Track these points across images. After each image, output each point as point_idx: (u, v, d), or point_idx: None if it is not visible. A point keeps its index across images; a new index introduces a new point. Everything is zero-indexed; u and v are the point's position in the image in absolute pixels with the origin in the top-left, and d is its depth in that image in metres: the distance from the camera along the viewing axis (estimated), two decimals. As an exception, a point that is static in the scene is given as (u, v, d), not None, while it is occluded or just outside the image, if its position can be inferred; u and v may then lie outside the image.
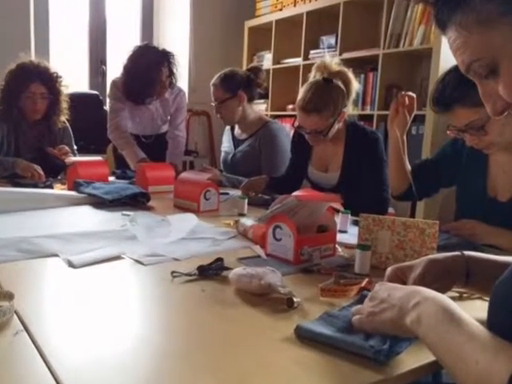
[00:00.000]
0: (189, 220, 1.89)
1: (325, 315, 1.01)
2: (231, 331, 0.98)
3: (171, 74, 3.45)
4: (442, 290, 0.97)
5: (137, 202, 2.25)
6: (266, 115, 4.22)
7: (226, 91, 3.14)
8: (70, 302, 1.12)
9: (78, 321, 1.01)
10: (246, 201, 2.19)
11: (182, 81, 3.74)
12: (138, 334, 0.96)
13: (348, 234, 1.86)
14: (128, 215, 1.97)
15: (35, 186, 2.60)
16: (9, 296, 1.05)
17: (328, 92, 2.43)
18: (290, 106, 4.92)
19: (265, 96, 4.87)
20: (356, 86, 2.57)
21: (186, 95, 3.82)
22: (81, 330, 0.96)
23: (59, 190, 2.59)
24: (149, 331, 0.98)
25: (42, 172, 2.83)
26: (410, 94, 2.11)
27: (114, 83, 3.51)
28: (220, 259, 1.35)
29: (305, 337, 0.94)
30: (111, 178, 2.99)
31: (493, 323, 0.75)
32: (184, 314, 1.08)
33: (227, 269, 1.30)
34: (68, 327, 0.97)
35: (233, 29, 5.56)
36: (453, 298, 0.83)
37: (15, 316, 0.99)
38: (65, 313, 1.05)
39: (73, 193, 2.39)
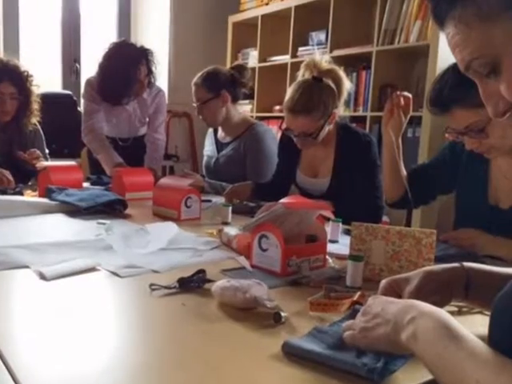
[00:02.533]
0: (169, 229, 1.89)
1: (314, 331, 1.01)
2: (214, 348, 0.98)
3: (150, 72, 3.45)
4: (440, 304, 0.97)
5: (113, 209, 2.25)
6: (252, 117, 4.23)
7: (208, 91, 3.14)
8: (41, 317, 1.11)
9: (50, 337, 1.00)
10: (230, 208, 2.18)
11: (162, 80, 3.74)
12: (115, 352, 0.95)
13: (339, 243, 1.86)
14: (104, 224, 1.96)
15: (4, 192, 2.58)
16: (-26, 312, 1.04)
17: (318, 92, 2.44)
18: (277, 107, 4.93)
19: (250, 96, 4.86)
20: (348, 85, 2.58)
21: (166, 95, 3.81)
22: (53, 347, 0.96)
23: (30, 196, 2.58)
24: (126, 348, 0.97)
25: (11, 178, 2.82)
26: (406, 94, 2.11)
27: (88, 82, 3.50)
28: (202, 271, 1.34)
29: (293, 354, 0.93)
30: (86, 184, 2.98)
31: (494, 339, 0.75)
32: (163, 330, 1.07)
33: (210, 281, 1.30)
34: (39, 344, 0.96)
35: (216, 24, 5.56)
36: (451, 313, 0.83)
37: (-19, 333, 0.99)
38: (36, 328, 1.04)
39: (44, 200, 2.38)
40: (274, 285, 1.34)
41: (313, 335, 0.99)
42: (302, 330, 1.04)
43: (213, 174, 3.29)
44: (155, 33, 5.56)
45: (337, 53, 4.21)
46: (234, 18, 5.43)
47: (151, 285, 1.28)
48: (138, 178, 2.80)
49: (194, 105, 3.20)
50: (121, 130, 3.66)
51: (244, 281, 1.20)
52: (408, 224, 2.70)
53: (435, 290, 1.05)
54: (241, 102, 3.52)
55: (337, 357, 0.90)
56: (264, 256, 1.50)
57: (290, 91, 2.47)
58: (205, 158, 3.46)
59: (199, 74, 3.18)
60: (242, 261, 1.57)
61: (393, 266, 1.44)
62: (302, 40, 4.67)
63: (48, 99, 3.47)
